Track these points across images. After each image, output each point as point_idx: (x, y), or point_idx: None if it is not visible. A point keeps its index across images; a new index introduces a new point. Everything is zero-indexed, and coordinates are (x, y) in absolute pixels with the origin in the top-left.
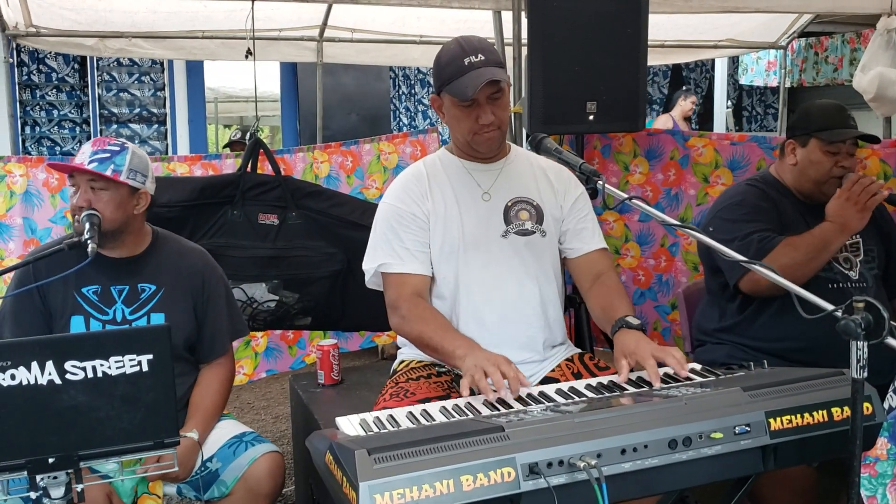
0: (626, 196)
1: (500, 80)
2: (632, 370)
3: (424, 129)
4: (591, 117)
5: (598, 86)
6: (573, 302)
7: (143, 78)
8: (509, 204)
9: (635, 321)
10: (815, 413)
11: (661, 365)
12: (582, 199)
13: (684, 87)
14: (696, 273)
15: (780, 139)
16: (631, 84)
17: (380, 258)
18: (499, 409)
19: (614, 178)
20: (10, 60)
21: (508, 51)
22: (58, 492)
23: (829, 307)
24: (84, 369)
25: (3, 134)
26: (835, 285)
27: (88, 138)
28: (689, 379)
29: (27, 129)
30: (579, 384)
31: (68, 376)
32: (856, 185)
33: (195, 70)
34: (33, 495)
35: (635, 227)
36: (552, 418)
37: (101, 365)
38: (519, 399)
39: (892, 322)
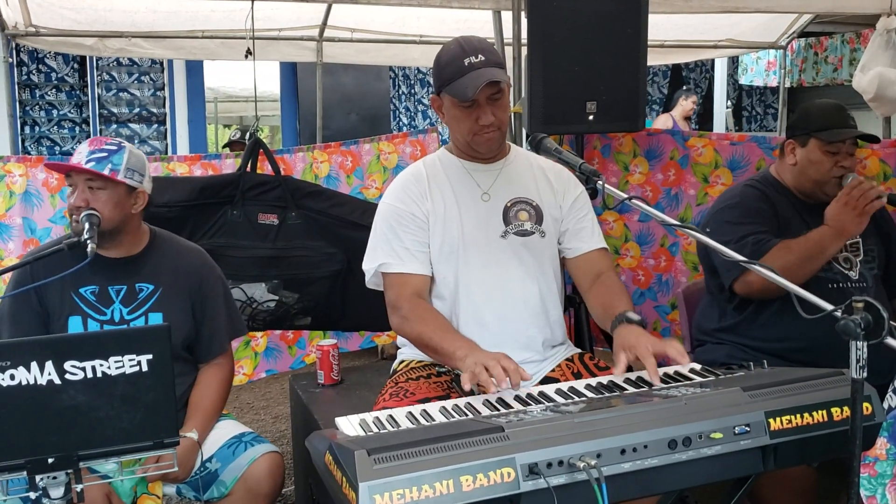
0: (625, 196)
1: (500, 81)
2: (630, 369)
3: (424, 128)
4: (590, 117)
5: (598, 86)
6: (573, 302)
7: (142, 78)
8: (508, 204)
9: (635, 316)
10: (814, 413)
11: (661, 364)
12: (581, 199)
13: (685, 87)
14: (696, 273)
15: (780, 139)
16: (631, 84)
17: (380, 258)
18: (498, 409)
19: (614, 178)
20: (10, 60)
21: (508, 51)
22: (57, 492)
23: (829, 307)
24: (84, 369)
25: (2, 134)
26: (835, 285)
27: (88, 138)
28: (692, 371)
29: (27, 129)
30: (579, 384)
31: (68, 376)
32: (854, 190)
33: (195, 70)
34: (33, 495)
35: (635, 227)
36: (552, 418)
37: (101, 365)
38: (519, 399)
39: (891, 322)
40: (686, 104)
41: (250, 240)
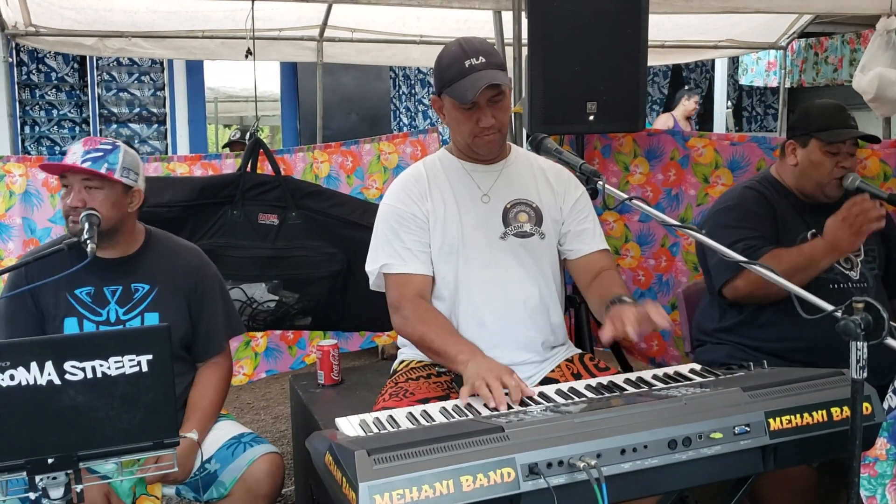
0: (626, 196)
1: (500, 84)
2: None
3: (425, 129)
4: (591, 117)
5: (599, 86)
6: (573, 302)
7: (142, 77)
8: (508, 206)
9: (629, 299)
10: (814, 413)
11: (660, 365)
12: (582, 201)
13: (687, 87)
14: (696, 273)
15: (780, 139)
16: (631, 84)
17: (381, 259)
18: (498, 410)
19: (614, 179)
20: (10, 60)
21: (509, 51)
22: (57, 492)
23: (829, 307)
24: (83, 370)
25: (2, 134)
26: (835, 285)
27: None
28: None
29: (27, 129)
30: (579, 384)
31: (68, 377)
32: (855, 207)
33: (195, 70)
34: (32, 496)
35: (635, 228)
36: (552, 418)
37: (101, 365)
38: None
39: (891, 322)
40: (688, 104)
41: (250, 240)
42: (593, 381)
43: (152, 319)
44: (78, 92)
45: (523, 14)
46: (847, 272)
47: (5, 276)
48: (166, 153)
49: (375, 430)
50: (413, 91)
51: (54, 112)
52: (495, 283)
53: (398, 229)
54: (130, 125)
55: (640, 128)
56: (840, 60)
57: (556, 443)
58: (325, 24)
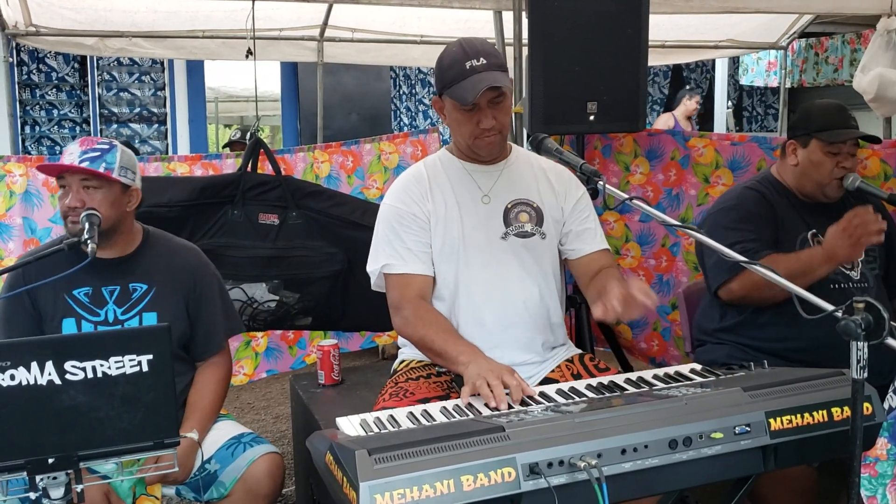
0: (626, 196)
1: (501, 86)
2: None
3: (425, 128)
4: (591, 117)
5: (599, 86)
6: (574, 302)
7: (143, 77)
8: (509, 206)
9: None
10: (815, 413)
11: (660, 365)
12: (583, 201)
13: (688, 87)
14: (696, 273)
15: (781, 140)
16: (631, 84)
17: (382, 259)
18: (499, 409)
19: (615, 179)
20: (10, 60)
21: (509, 51)
22: (57, 492)
23: (830, 307)
24: (84, 369)
25: (2, 133)
26: (836, 285)
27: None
28: (692, 371)
29: (27, 129)
30: (580, 384)
31: (68, 376)
32: (855, 218)
33: (195, 70)
34: (33, 496)
35: (636, 228)
36: (552, 418)
37: (101, 365)
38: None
39: (892, 322)
40: (689, 104)
41: (251, 240)
42: (594, 381)
43: (150, 319)
44: (78, 92)
45: (524, 14)
46: (848, 272)
47: (4, 276)
48: (167, 153)
49: (376, 430)
50: (413, 91)
51: (55, 112)
52: (495, 284)
53: (399, 229)
54: (131, 125)
55: (640, 128)
56: (840, 60)
57: (556, 442)
58: (325, 23)
